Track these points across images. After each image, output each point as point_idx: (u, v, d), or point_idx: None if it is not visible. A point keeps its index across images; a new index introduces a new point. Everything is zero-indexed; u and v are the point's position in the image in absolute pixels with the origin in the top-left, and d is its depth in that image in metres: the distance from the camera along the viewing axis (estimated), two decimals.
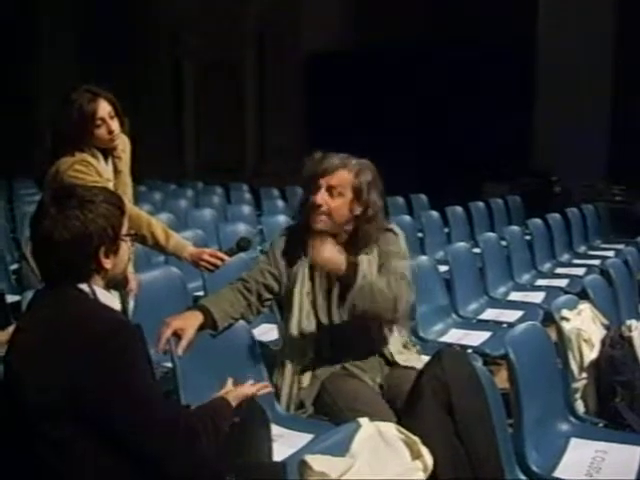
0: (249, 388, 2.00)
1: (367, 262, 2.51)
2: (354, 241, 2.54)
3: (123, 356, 1.58)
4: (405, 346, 2.66)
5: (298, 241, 2.58)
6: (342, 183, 2.49)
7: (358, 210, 2.51)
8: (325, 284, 2.56)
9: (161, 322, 2.29)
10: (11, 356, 1.65)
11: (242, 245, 2.78)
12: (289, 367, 2.53)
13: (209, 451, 1.70)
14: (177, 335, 2.27)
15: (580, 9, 8.90)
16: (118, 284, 1.79)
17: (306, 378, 2.52)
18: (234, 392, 1.94)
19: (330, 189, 2.49)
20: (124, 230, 1.74)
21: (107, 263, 1.69)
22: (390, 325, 2.58)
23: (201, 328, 2.36)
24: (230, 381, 2.02)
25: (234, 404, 1.90)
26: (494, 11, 9.84)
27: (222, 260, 2.79)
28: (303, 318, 2.54)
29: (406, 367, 2.54)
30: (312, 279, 2.55)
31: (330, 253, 2.37)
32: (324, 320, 2.55)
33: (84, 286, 1.67)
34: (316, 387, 2.51)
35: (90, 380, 1.54)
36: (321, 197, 2.49)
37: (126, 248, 1.76)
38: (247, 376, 2.14)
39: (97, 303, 1.68)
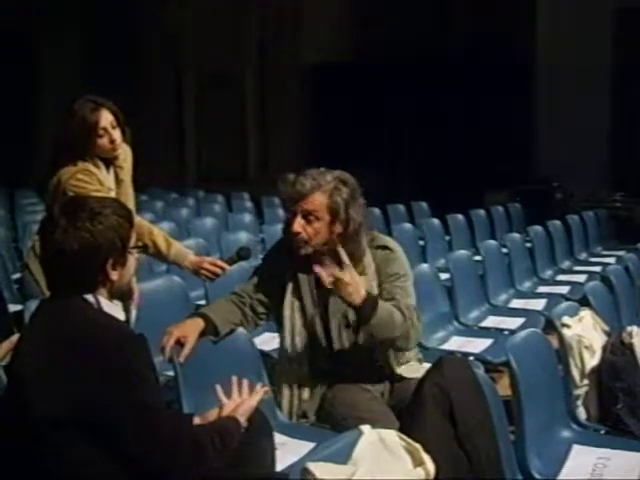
0: (253, 399, 1.97)
1: (366, 281, 2.43)
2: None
3: (128, 366, 1.59)
4: (408, 360, 2.62)
5: (286, 256, 2.54)
6: (317, 207, 2.40)
7: (339, 229, 2.43)
8: (318, 298, 2.51)
9: (163, 331, 2.30)
10: (16, 365, 1.66)
11: (242, 254, 2.79)
12: (287, 382, 2.51)
13: (214, 466, 1.70)
14: (180, 343, 2.27)
15: (579, 15, 8.93)
16: (123, 294, 1.80)
17: (306, 392, 2.50)
18: (240, 408, 1.92)
19: (306, 215, 2.41)
20: (132, 242, 1.75)
21: (114, 275, 1.70)
22: (400, 351, 2.54)
23: (202, 334, 2.36)
24: (221, 394, 1.97)
25: (242, 420, 1.89)
26: (493, 17, 9.87)
27: (222, 269, 2.81)
28: (296, 333, 2.51)
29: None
30: (300, 294, 2.51)
31: (354, 279, 2.29)
32: (320, 334, 2.52)
33: (89, 296, 1.68)
34: (317, 399, 2.50)
35: (95, 390, 1.55)
36: (298, 225, 2.41)
37: (133, 260, 1.77)
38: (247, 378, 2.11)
39: (102, 313, 1.68)
